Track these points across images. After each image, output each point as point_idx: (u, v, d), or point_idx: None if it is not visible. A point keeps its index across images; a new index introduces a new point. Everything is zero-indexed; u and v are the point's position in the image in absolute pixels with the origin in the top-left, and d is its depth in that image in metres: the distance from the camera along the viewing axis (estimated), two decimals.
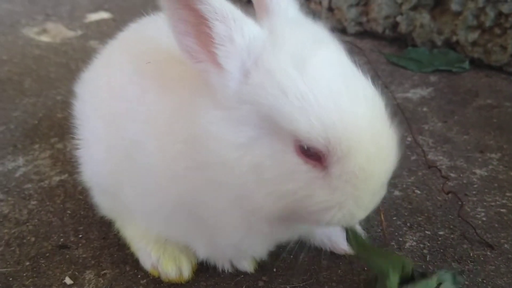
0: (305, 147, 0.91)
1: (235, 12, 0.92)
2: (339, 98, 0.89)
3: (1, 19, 3.54)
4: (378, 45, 2.78)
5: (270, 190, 0.95)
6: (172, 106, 1.07)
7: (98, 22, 3.41)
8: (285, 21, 1.01)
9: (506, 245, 1.38)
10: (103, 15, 3.54)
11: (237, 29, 0.92)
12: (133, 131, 1.13)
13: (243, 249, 1.21)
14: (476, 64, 2.45)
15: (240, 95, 0.94)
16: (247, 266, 1.33)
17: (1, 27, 3.40)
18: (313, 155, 0.92)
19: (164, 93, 1.10)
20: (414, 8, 2.57)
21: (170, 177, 1.07)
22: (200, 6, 0.89)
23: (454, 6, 2.39)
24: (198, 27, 0.93)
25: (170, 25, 0.94)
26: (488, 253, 1.36)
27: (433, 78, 2.40)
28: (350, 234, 1.12)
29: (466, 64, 2.43)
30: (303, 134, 0.89)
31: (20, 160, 1.91)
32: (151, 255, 1.33)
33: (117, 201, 1.28)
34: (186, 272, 1.31)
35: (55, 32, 3.27)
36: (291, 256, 1.38)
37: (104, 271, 1.36)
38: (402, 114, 1.96)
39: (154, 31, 1.27)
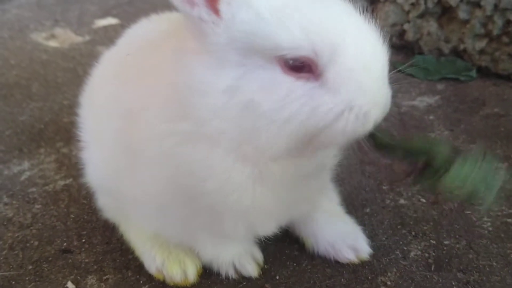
0: (290, 63, 0.89)
1: None
2: (309, 2, 0.89)
3: (10, 24, 3.58)
4: None
5: (271, 121, 0.92)
6: (149, 90, 1.07)
7: (106, 28, 3.44)
8: None
9: None
10: (111, 20, 3.57)
11: None
12: (118, 122, 1.15)
13: (253, 219, 1.15)
14: (484, 72, 2.43)
15: (225, 37, 0.91)
16: (251, 270, 1.32)
17: (10, 31, 3.44)
18: (302, 69, 0.89)
19: (142, 78, 1.11)
20: (421, 16, 2.56)
21: (161, 161, 1.07)
22: None
23: (462, 14, 2.38)
24: None
25: None
26: (494, 263, 1.34)
27: (440, 86, 2.38)
28: (375, 136, 1.03)
29: (473, 73, 2.41)
30: (286, 46, 0.87)
31: (26, 164, 1.92)
32: (156, 259, 1.33)
33: (119, 201, 1.29)
34: (191, 275, 1.31)
35: (63, 38, 3.30)
36: (294, 264, 1.37)
37: (106, 276, 1.36)
38: (403, 125, 1.95)
39: (142, 30, 1.31)
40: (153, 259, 1.34)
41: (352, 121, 0.91)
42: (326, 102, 0.90)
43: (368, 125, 0.94)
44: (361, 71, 0.89)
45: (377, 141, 1.04)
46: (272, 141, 0.94)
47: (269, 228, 1.24)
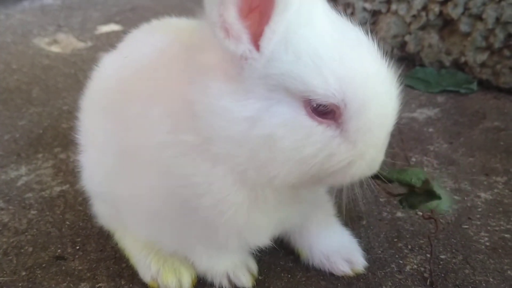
0: (316, 106, 0.90)
1: None
2: (347, 51, 0.90)
3: (13, 29, 3.61)
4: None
5: (286, 158, 0.93)
6: (150, 98, 1.06)
7: (108, 34, 3.47)
8: None
9: (509, 272, 1.35)
10: (113, 27, 3.60)
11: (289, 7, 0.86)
12: (115, 125, 1.16)
13: (246, 235, 1.15)
14: (484, 85, 2.43)
15: (260, 72, 0.90)
16: (245, 281, 1.31)
17: (13, 36, 3.47)
18: (326, 114, 0.91)
19: (145, 86, 1.11)
20: (423, 28, 2.57)
21: (158, 170, 1.06)
22: None
23: (463, 27, 2.39)
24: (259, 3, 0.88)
25: None
26: (491, 279, 1.33)
27: (440, 99, 2.38)
28: None
29: (474, 85, 2.41)
30: (319, 92, 0.88)
31: (23, 169, 1.92)
32: (151, 267, 1.33)
33: (114, 207, 1.29)
34: (187, 284, 1.31)
35: (65, 43, 3.32)
36: (289, 276, 1.36)
37: (99, 284, 1.35)
38: (400, 135, 1.95)
39: (144, 35, 1.31)
40: (148, 267, 1.33)
41: (363, 168, 0.99)
42: (343, 152, 0.94)
43: (375, 169, 1.03)
44: (380, 127, 0.96)
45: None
46: (284, 175, 0.96)
47: (262, 240, 1.23)
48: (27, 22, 3.75)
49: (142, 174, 1.10)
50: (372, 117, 0.92)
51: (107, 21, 3.73)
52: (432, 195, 1.11)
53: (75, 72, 2.83)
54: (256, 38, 0.88)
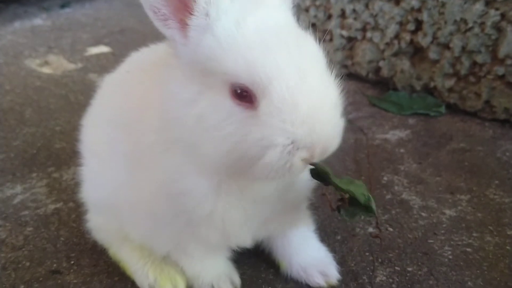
0: (237, 90, 0.98)
1: None
2: (266, 41, 0.97)
3: (5, 50, 3.66)
4: (362, 87, 2.92)
5: (212, 136, 1.02)
6: (144, 104, 1.20)
7: (98, 56, 3.54)
8: None
9: (469, 283, 1.48)
10: (103, 49, 3.66)
11: (213, 4, 1.00)
12: (118, 133, 1.29)
13: (225, 230, 1.22)
14: (452, 109, 2.58)
15: (191, 57, 1.04)
16: None
17: (5, 57, 3.52)
18: (244, 98, 0.98)
19: (140, 93, 1.25)
20: (395, 54, 2.72)
21: (152, 166, 1.18)
22: None
23: (432, 55, 2.55)
24: None
25: None
26: None
27: (411, 121, 2.53)
28: (317, 168, 1.09)
29: (443, 109, 2.57)
30: (230, 72, 0.97)
31: (18, 188, 2.01)
32: (149, 276, 1.43)
33: (113, 215, 1.38)
34: None
35: (56, 64, 3.38)
36: (270, 287, 1.47)
37: None
38: (367, 157, 2.08)
39: (142, 56, 1.44)
40: (146, 277, 1.44)
41: (276, 157, 0.97)
42: (255, 133, 0.97)
43: (295, 165, 1.00)
44: (289, 113, 0.95)
45: (313, 170, 1.11)
46: (213, 155, 1.04)
47: (243, 239, 1.33)
48: (18, 43, 3.81)
49: (142, 175, 1.22)
50: (277, 101, 0.94)
51: (96, 43, 3.81)
52: (370, 210, 1.15)
53: (66, 94, 2.90)
54: (183, 26, 1.04)
